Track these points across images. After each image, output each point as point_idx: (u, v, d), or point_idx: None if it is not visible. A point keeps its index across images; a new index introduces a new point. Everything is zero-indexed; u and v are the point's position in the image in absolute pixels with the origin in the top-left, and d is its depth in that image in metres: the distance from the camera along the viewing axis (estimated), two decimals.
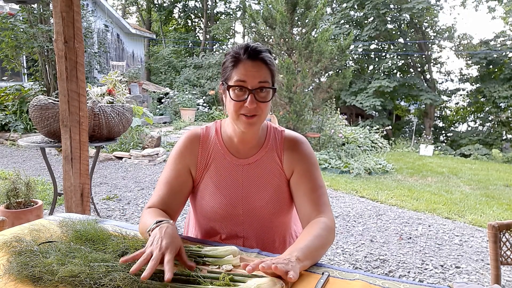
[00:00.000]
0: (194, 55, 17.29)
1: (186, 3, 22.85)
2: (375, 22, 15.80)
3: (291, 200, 1.23)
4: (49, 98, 3.03)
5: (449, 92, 17.40)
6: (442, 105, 17.38)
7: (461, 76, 17.35)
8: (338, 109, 9.02)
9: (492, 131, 15.66)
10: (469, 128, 17.41)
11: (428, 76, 17.35)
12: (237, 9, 21.80)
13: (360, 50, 16.92)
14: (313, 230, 1.06)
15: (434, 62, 17.62)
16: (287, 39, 7.87)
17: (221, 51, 17.06)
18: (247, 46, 1.11)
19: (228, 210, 1.19)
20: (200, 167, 1.22)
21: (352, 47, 15.80)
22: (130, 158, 6.58)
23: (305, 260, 0.95)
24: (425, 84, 16.43)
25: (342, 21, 17.05)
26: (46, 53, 7.88)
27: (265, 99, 1.10)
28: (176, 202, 1.19)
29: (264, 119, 1.16)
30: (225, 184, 1.20)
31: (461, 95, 17.43)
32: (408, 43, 16.86)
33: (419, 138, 13.46)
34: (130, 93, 10.51)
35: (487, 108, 16.30)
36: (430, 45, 17.26)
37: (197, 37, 22.49)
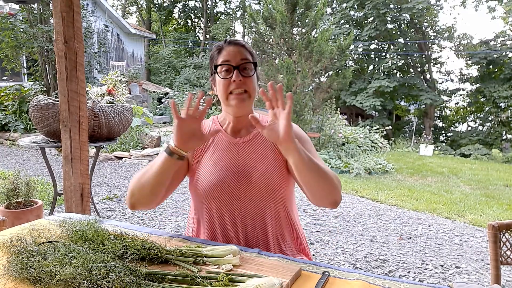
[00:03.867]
0: (194, 55, 17.30)
1: (186, 3, 22.86)
2: (375, 22, 15.79)
3: (288, 175, 1.27)
4: (49, 98, 3.03)
5: (449, 92, 17.39)
6: (442, 105, 17.37)
7: (461, 76, 17.34)
8: (338, 109, 9.01)
9: (492, 131, 15.65)
10: (469, 128, 17.40)
11: (428, 76, 17.34)
12: (237, 9, 21.82)
13: (360, 50, 16.90)
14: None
15: (434, 62, 17.61)
16: (287, 39, 7.87)
17: None
18: (227, 39, 1.28)
19: (225, 183, 1.22)
20: (197, 151, 1.29)
21: (352, 47, 15.78)
22: (130, 158, 6.58)
23: (301, 152, 1.03)
24: (425, 84, 16.42)
25: (342, 21, 17.03)
26: (46, 53, 7.88)
27: (248, 74, 1.22)
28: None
29: (254, 96, 1.25)
30: (222, 161, 1.26)
31: (461, 95, 17.42)
32: (408, 43, 16.85)
33: (419, 138, 13.46)
34: (130, 93, 10.51)
35: (487, 108, 16.29)
36: (430, 45, 17.26)
37: (197, 37, 22.49)
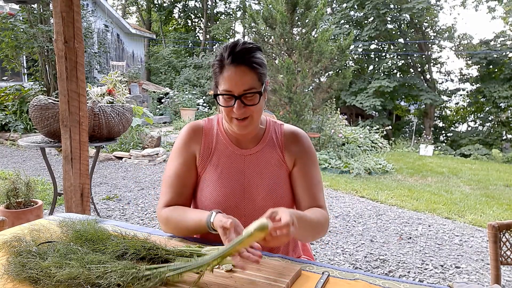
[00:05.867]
0: (194, 55, 17.30)
1: (186, 3, 22.86)
2: (375, 22, 15.79)
3: (292, 191, 1.26)
4: (49, 98, 3.03)
5: (449, 92, 17.39)
6: (442, 105, 17.37)
7: (461, 76, 17.34)
8: (338, 109, 9.01)
9: (492, 131, 15.64)
10: (469, 128, 17.40)
11: (428, 76, 17.34)
12: (237, 9, 21.81)
13: (360, 50, 16.90)
14: (315, 214, 1.14)
15: (434, 62, 17.61)
16: (287, 39, 7.87)
17: None
18: (232, 47, 1.09)
19: (231, 200, 1.19)
20: (203, 156, 1.23)
21: (352, 47, 15.77)
22: (130, 158, 6.58)
23: (300, 223, 0.98)
24: (425, 84, 16.42)
25: (342, 21, 17.03)
26: (46, 53, 7.88)
27: (253, 102, 1.11)
28: (188, 193, 1.23)
29: (258, 118, 1.18)
30: (228, 174, 1.21)
31: (461, 95, 17.42)
32: (408, 43, 16.85)
33: (419, 138, 13.45)
34: (130, 93, 10.51)
35: (487, 108, 16.29)
36: (430, 45, 17.26)
37: (197, 37, 22.48)
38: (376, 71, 16.68)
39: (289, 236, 0.87)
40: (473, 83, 16.51)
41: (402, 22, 17.06)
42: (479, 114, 17.36)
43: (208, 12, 20.99)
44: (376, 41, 16.83)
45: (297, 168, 1.23)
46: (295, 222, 0.91)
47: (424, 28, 17.19)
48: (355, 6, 16.41)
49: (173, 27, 24.38)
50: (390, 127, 13.20)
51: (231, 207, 1.19)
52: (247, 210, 1.20)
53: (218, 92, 1.12)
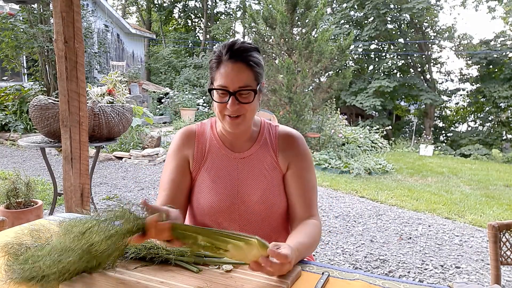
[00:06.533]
0: (194, 55, 17.31)
1: (186, 3, 22.86)
2: (375, 22, 15.79)
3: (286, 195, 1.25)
4: (49, 98, 3.03)
5: (449, 92, 17.39)
6: (442, 105, 17.36)
7: (461, 76, 17.34)
8: (338, 109, 9.01)
9: (492, 131, 15.64)
10: (469, 128, 17.40)
11: (428, 76, 17.34)
12: (237, 9, 21.81)
13: (360, 50, 16.89)
14: (311, 234, 1.11)
15: (434, 62, 17.61)
16: (287, 39, 7.87)
17: None
18: (231, 45, 1.10)
19: (225, 204, 1.19)
20: (197, 160, 1.23)
21: (352, 47, 15.76)
22: (130, 158, 6.58)
23: (297, 259, 0.97)
24: (425, 84, 16.42)
25: (342, 21, 17.03)
26: (46, 53, 7.88)
27: (247, 100, 1.11)
28: (183, 198, 1.22)
29: (251, 117, 1.17)
30: (221, 178, 1.21)
31: (461, 95, 17.42)
32: (408, 43, 16.85)
33: (419, 138, 13.44)
34: (130, 93, 10.50)
35: (487, 108, 16.29)
36: (430, 45, 17.25)
37: (197, 37, 22.49)
38: (376, 71, 16.68)
39: (282, 269, 0.87)
40: (473, 83, 16.51)
41: (402, 22, 17.07)
42: (479, 114, 17.37)
43: (208, 12, 21.00)
44: (376, 41, 16.83)
45: (291, 171, 1.22)
46: (292, 262, 0.91)
47: (424, 28, 17.19)
48: (355, 6, 16.41)
49: (173, 27, 24.38)
50: (390, 127, 13.20)
51: (224, 211, 1.19)
52: (241, 214, 1.19)
53: (213, 87, 1.12)
